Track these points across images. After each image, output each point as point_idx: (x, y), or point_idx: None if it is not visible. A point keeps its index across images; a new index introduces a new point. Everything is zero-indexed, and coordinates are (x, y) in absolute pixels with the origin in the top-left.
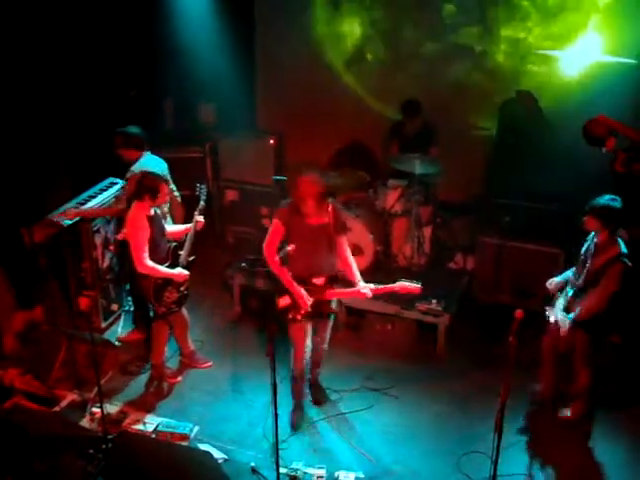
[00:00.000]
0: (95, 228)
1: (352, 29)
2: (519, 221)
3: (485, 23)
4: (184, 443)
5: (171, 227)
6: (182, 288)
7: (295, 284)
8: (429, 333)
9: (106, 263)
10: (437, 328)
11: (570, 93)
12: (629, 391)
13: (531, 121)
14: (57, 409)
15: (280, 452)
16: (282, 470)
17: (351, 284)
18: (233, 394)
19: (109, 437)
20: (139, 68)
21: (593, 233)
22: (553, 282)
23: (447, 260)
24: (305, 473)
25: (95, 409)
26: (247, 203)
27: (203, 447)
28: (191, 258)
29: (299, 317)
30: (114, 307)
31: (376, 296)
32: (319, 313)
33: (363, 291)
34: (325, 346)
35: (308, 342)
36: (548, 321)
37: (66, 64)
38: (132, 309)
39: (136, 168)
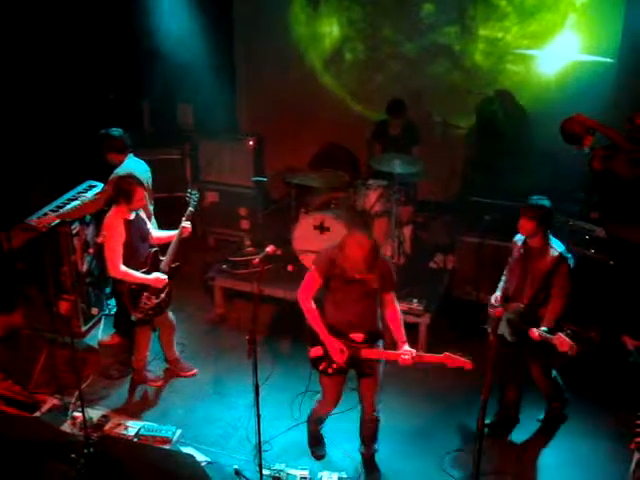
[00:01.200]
0: (74, 232)
1: (331, 29)
2: (498, 220)
3: (463, 23)
4: (167, 446)
5: (157, 232)
6: (162, 294)
7: (329, 335)
8: (410, 332)
9: (85, 267)
10: (418, 327)
11: (547, 92)
12: (607, 386)
13: (509, 120)
14: (38, 414)
15: (263, 453)
16: (265, 472)
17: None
18: (215, 396)
19: (91, 442)
20: (117, 70)
21: (517, 239)
22: (497, 297)
23: (427, 259)
24: (288, 474)
25: (76, 414)
26: (227, 205)
27: (186, 450)
28: (175, 265)
29: (331, 370)
30: (94, 311)
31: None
32: (356, 370)
33: (403, 357)
34: (376, 413)
35: (339, 396)
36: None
37: (44, 67)
38: (113, 312)
39: (119, 171)
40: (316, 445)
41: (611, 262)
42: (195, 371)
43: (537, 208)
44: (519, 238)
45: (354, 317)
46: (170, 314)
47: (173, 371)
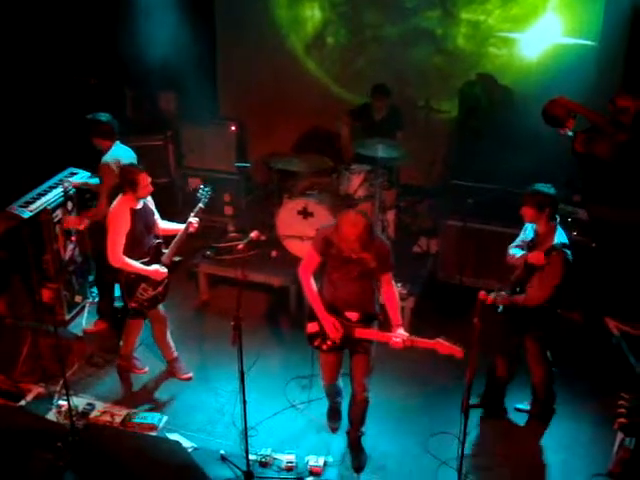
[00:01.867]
0: (56, 219)
1: (313, 13)
2: (482, 203)
3: (445, 6)
4: (153, 433)
5: (165, 223)
6: (159, 287)
7: (326, 312)
8: None
9: (68, 255)
10: (402, 311)
11: (530, 75)
12: (590, 368)
13: (492, 103)
14: (23, 403)
15: (249, 439)
16: (252, 457)
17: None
18: (201, 383)
19: (77, 430)
20: (99, 56)
21: (530, 226)
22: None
23: (411, 243)
24: (275, 459)
25: (62, 402)
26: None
27: (172, 437)
28: (177, 259)
29: (325, 347)
30: (78, 299)
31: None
32: (349, 349)
33: (395, 339)
34: (366, 394)
35: (337, 373)
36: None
37: (25, 53)
38: (97, 300)
39: (107, 158)
40: (331, 419)
41: (593, 244)
42: (190, 375)
43: (534, 194)
44: (530, 225)
45: (350, 296)
46: (162, 309)
47: (170, 370)
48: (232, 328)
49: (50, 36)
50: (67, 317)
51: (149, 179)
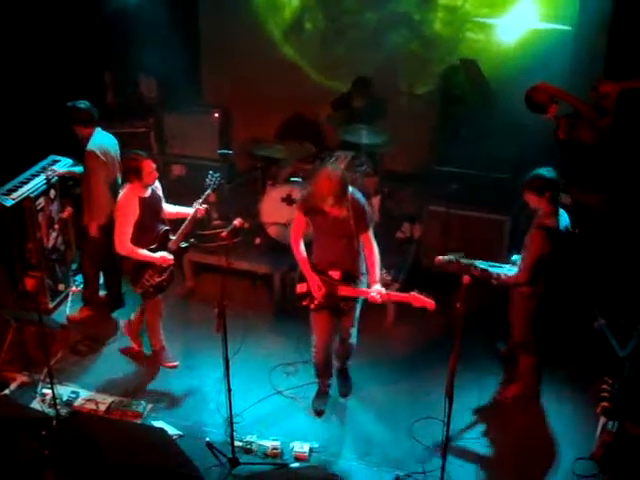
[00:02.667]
0: (39, 207)
1: None
2: (465, 189)
3: None
4: (138, 421)
5: (170, 207)
6: (165, 273)
7: (311, 272)
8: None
9: (51, 242)
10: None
11: (507, 60)
12: (573, 352)
13: (474, 89)
14: (7, 392)
15: (234, 426)
16: (237, 443)
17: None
18: (186, 370)
19: (61, 418)
20: (77, 41)
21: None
22: None
23: (394, 229)
24: (260, 445)
25: (46, 390)
26: (193, 177)
27: (157, 424)
28: (184, 245)
29: (313, 306)
30: (61, 287)
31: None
32: (334, 306)
33: (372, 294)
34: (352, 340)
35: (327, 333)
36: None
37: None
38: (80, 288)
39: (91, 146)
40: (318, 400)
41: (576, 230)
42: (176, 364)
43: (533, 180)
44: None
45: (334, 256)
46: (160, 297)
47: (155, 358)
48: (216, 315)
49: (27, 22)
50: (51, 305)
51: (153, 165)
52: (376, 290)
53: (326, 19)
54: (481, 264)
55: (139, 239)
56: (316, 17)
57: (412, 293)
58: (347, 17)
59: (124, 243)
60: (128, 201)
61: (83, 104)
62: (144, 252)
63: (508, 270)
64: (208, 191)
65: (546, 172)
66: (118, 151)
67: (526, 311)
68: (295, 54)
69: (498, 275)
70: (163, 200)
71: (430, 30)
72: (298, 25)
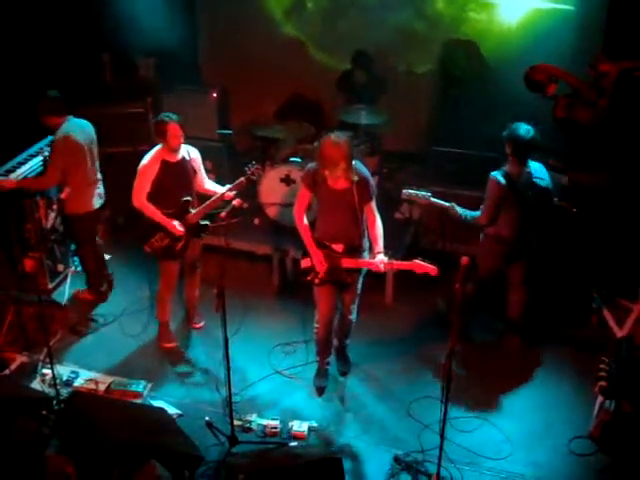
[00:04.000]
0: None
1: None
2: (463, 169)
3: None
4: (137, 401)
5: (210, 184)
6: (177, 242)
7: (314, 247)
8: (378, 282)
9: (50, 223)
10: (385, 277)
11: (510, 40)
12: (571, 332)
13: (472, 68)
14: (7, 372)
15: (234, 405)
16: (236, 422)
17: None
18: (185, 350)
19: (61, 398)
20: (74, 21)
21: None
22: None
23: (393, 210)
24: (259, 424)
25: (45, 370)
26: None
27: (157, 404)
28: (203, 222)
29: (317, 281)
30: (60, 268)
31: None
32: (338, 280)
33: (376, 264)
34: (352, 317)
35: (330, 308)
36: None
37: None
38: (79, 269)
39: (59, 134)
40: (319, 377)
41: (574, 209)
42: (174, 345)
43: (508, 131)
44: None
45: (336, 229)
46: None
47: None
48: (215, 296)
49: (25, 3)
50: (50, 286)
51: (180, 130)
52: (379, 260)
53: None
54: (449, 203)
55: (157, 200)
56: None
57: (414, 261)
58: None
59: (138, 196)
60: (150, 160)
61: (52, 93)
62: (155, 211)
63: (474, 213)
64: (242, 178)
65: (522, 130)
66: (94, 138)
67: (490, 252)
68: (297, 32)
69: (465, 216)
70: (200, 172)
71: (433, 9)
72: (300, 3)
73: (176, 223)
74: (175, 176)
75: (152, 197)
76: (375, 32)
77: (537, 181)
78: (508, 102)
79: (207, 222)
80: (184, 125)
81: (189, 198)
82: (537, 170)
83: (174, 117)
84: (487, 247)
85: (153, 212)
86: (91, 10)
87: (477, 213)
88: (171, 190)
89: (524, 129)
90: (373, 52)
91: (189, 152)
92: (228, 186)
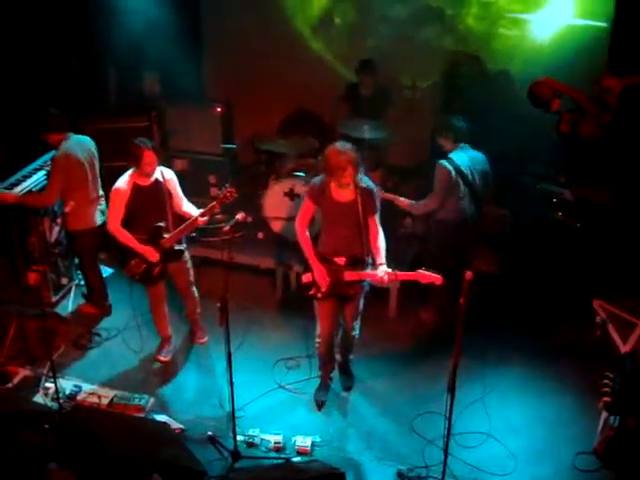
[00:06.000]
0: None
1: None
2: None
3: None
4: (140, 415)
5: (189, 207)
6: (154, 267)
7: (317, 261)
8: (382, 297)
9: (54, 236)
10: (389, 291)
11: (541, 56)
12: (575, 345)
13: (478, 84)
14: (10, 386)
15: (237, 420)
16: (239, 437)
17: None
18: (188, 364)
19: (64, 411)
20: (79, 36)
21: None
22: None
23: (397, 224)
24: (262, 439)
25: (48, 384)
26: (196, 172)
27: (160, 418)
28: (178, 247)
29: (319, 295)
30: (64, 281)
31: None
32: (340, 293)
33: (380, 275)
34: (354, 333)
35: (331, 324)
36: None
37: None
38: (82, 283)
39: (59, 152)
40: (320, 392)
41: (578, 224)
42: (169, 359)
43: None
44: None
45: (339, 242)
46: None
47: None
48: (219, 309)
49: (30, 18)
50: (53, 299)
51: (154, 157)
52: (383, 271)
53: (356, 13)
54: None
55: (130, 225)
56: (346, 10)
57: (418, 271)
58: (378, 10)
59: (111, 221)
60: (120, 183)
61: (53, 110)
62: (130, 237)
63: (421, 201)
64: (213, 202)
65: (455, 120)
66: (95, 154)
67: (440, 235)
68: (323, 49)
69: (417, 204)
70: (177, 193)
71: (463, 25)
72: (328, 18)
73: (149, 249)
74: (148, 200)
75: (126, 223)
76: (404, 48)
77: (478, 165)
78: (513, 117)
79: (182, 247)
80: (188, 140)
81: (161, 224)
82: (476, 155)
83: (149, 144)
84: (437, 230)
85: (127, 239)
86: (97, 26)
87: (425, 200)
88: (145, 215)
89: (458, 119)
90: (399, 68)
91: (163, 173)
92: (200, 210)
